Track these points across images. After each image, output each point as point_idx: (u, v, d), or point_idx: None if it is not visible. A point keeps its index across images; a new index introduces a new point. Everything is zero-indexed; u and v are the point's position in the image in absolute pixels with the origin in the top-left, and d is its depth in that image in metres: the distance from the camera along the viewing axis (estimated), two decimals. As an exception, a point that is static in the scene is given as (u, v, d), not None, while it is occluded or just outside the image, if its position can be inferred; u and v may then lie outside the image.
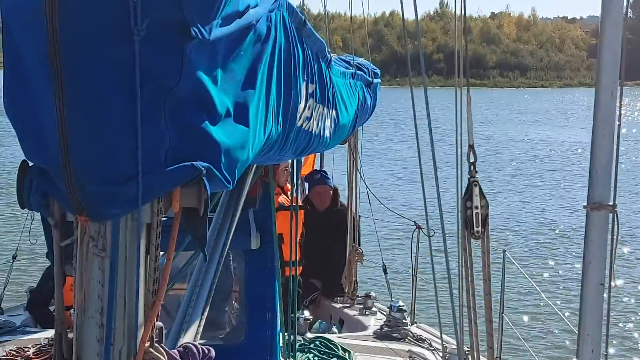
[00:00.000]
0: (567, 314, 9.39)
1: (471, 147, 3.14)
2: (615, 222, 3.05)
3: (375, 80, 5.90)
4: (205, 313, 3.38)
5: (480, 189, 3.13)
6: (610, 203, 3.02)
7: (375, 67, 6.14)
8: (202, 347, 2.29)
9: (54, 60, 1.87)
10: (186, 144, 2.02)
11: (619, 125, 3.18)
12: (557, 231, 20.46)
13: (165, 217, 2.11)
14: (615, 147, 3.15)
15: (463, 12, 3.33)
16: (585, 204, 3.08)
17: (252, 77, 2.44)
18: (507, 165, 33.98)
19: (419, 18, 3.32)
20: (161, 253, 2.21)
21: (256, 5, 2.47)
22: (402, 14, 3.16)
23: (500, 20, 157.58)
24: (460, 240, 3.16)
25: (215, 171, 2.06)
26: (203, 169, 2.02)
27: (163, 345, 2.13)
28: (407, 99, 3.24)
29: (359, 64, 5.60)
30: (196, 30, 2.01)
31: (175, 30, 1.97)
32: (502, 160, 34.22)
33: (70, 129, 1.90)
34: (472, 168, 3.20)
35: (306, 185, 8.77)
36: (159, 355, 2.07)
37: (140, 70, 1.89)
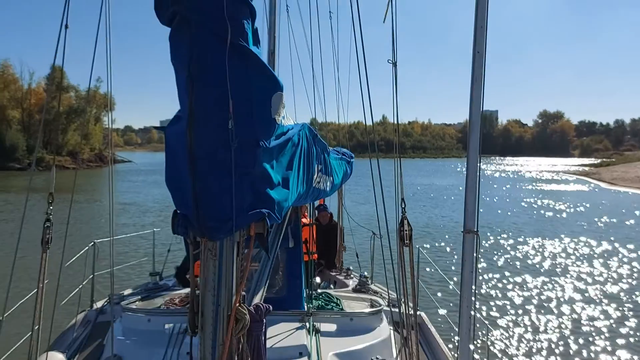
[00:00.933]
0: (455, 279, 9.07)
1: (402, 199, 3.03)
2: (478, 241, 2.92)
3: (351, 160, 5.91)
4: (267, 282, 3.32)
5: (407, 221, 3.00)
6: (475, 229, 2.91)
7: (352, 153, 6.13)
8: (264, 305, 2.23)
9: (190, 158, 1.87)
10: (257, 201, 2.01)
11: (479, 181, 2.97)
12: (445, 235, 19.91)
13: (246, 237, 2.09)
14: (477, 196, 2.97)
15: (397, 121, 3.31)
16: (462, 230, 2.92)
17: (290, 164, 2.44)
18: (420, 197, 33.65)
19: (373, 124, 3.31)
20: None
21: (292, 128, 2.48)
22: (365, 123, 3.14)
23: (412, 124, 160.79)
24: (397, 246, 3.06)
25: (272, 214, 2.04)
26: (265, 213, 2.00)
27: (245, 305, 2.08)
28: (367, 165, 3.20)
29: (343, 152, 5.63)
30: (262, 142, 2.01)
31: (253, 143, 1.98)
32: (416, 196, 33.85)
33: (198, 194, 1.89)
34: (403, 210, 3.04)
35: (316, 212, 8.69)
36: (244, 311, 2.02)
37: (235, 163, 1.89)
